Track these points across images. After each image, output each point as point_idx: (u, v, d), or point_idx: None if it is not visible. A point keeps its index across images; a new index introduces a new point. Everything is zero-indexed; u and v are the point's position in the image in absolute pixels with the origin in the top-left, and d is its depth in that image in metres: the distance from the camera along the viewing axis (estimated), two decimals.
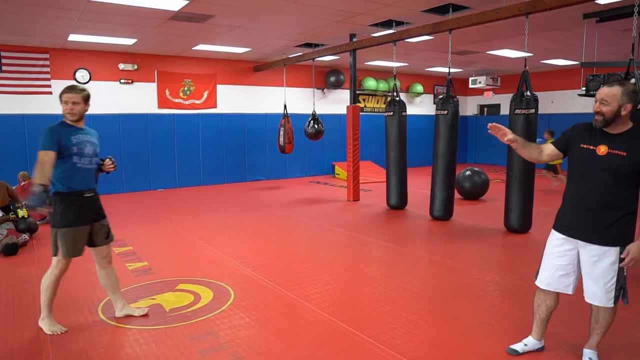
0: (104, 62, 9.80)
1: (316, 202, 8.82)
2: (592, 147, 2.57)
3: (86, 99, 3.36)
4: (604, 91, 2.51)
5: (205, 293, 4.13)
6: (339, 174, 12.47)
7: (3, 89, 9.03)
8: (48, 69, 9.34)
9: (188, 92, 10.82)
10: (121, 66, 9.94)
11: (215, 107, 11.20)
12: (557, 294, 2.80)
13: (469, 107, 16.64)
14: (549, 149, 2.84)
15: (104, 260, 3.59)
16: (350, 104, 8.73)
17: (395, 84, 7.74)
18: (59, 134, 3.20)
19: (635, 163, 2.44)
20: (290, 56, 10.28)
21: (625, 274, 2.55)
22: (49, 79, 9.37)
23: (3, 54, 8.93)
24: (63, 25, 7.46)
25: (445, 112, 6.72)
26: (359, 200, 8.80)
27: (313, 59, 9.40)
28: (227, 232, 6.47)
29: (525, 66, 5.98)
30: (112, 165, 3.55)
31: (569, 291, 2.72)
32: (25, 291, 4.30)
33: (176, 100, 10.70)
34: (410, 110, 14.35)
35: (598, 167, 2.51)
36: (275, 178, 12.19)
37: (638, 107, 2.65)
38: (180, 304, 3.88)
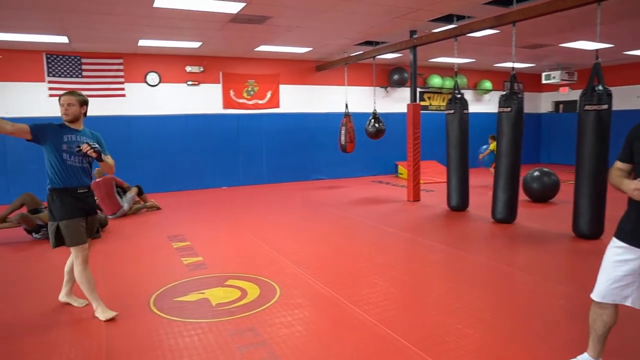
0: (173, 65, 10.25)
1: (375, 202, 8.71)
2: None
3: (82, 102, 3.62)
4: None
5: (252, 290, 4.18)
6: (401, 174, 12.25)
7: (84, 93, 9.67)
8: (122, 73, 9.92)
9: (252, 93, 11.07)
10: (188, 68, 10.35)
11: (278, 106, 11.38)
12: (615, 308, 2.54)
13: (542, 103, 15.75)
14: (618, 167, 2.55)
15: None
16: (411, 102, 8.52)
17: (456, 81, 7.46)
18: (51, 129, 3.47)
19: None
20: (351, 55, 10.22)
21: None
22: (122, 82, 9.94)
23: (83, 60, 9.59)
24: (133, 32, 7.89)
25: (509, 109, 6.37)
26: (419, 200, 8.58)
27: (373, 57, 9.29)
28: (282, 230, 6.54)
29: (597, 58, 5.54)
30: (89, 149, 3.43)
31: (628, 302, 2.46)
32: None
33: (240, 101, 10.98)
34: (479, 108, 13.89)
35: None
36: (336, 177, 12.19)
37: None
38: (227, 299, 3.96)
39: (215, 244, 5.92)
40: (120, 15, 6.77)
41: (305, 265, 4.86)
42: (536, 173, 8.27)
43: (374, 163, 12.72)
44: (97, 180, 7.69)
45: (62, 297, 3.93)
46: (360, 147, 11.40)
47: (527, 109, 15.23)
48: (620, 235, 2.47)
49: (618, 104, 11.59)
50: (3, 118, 3.42)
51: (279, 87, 11.34)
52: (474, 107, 13.97)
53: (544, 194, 8.16)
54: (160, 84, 10.21)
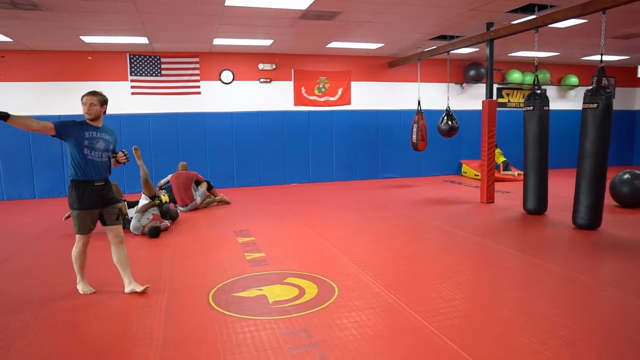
0: (246, 62, 10.46)
1: (446, 202, 8.37)
2: None
3: (102, 102, 3.89)
4: None
5: (310, 288, 4.13)
6: (465, 172, 11.73)
7: (162, 91, 10.15)
8: (198, 72, 10.27)
9: (323, 90, 11.06)
10: (261, 66, 10.52)
11: (350, 103, 11.29)
12: None
13: (637, 100, 14.42)
14: None
15: (116, 239, 4.06)
16: (487, 98, 8.09)
17: (536, 75, 6.95)
18: (75, 126, 3.81)
19: None
20: (424, 50, 9.89)
21: None
22: (198, 80, 10.29)
23: (162, 59, 10.03)
24: (207, 31, 8.12)
25: (595, 105, 5.83)
26: (493, 202, 8.13)
27: (447, 51, 8.91)
28: (346, 229, 6.44)
29: None
30: (124, 158, 4.05)
31: None
32: (158, 270, 4.73)
33: (311, 98, 11.00)
34: (563, 105, 12.98)
35: None
36: (407, 176, 11.89)
37: None
38: (284, 297, 3.92)
39: (278, 240, 5.94)
40: (194, 15, 6.98)
41: (366, 266, 4.73)
42: (626, 176, 7.53)
43: (446, 162, 12.26)
44: (180, 171, 8.07)
45: (127, 288, 4.09)
46: (432, 145, 11.05)
47: (619, 105, 14.14)
48: None
49: None
50: (30, 116, 3.73)
51: (351, 83, 11.23)
52: (558, 104, 13.15)
53: (634, 199, 7.42)
54: (234, 82, 10.46)
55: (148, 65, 10.03)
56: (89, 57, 9.70)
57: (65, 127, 3.78)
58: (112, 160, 4.02)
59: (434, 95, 11.45)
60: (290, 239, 6.01)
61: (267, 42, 9.28)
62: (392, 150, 11.64)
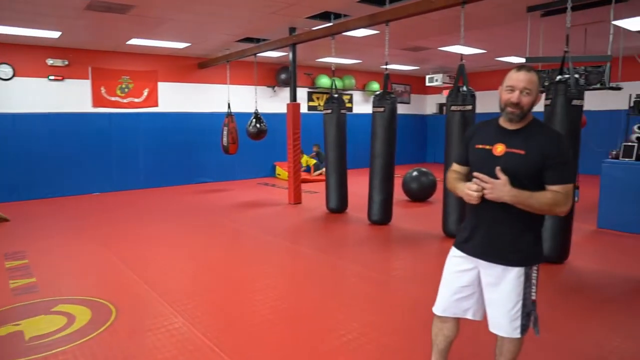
0: (30, 56, 9.08)
1: (256, 205, 8.31)
2: (488, 147, 2.15)
3: None
4: (525, 78, 2.05)
5: (82, 315, 3.60)
6: (279, 174, 12.00)
7: None
8: None
9: (126, 90, 10.18)
10: (50, 61, 9.24)
11: (157, 105, 10.58)
12: (457, 321, 2.37)
13: (428, 106, 16.37)
14: (455, 170, 2.38)
15: None
16: (291, 101, 8.25)
17: (333, 80, 7.30)
18: None
19: (535, 163, 2.03)
20: (233, 52, 9.74)
21: (534, 297, 2.12)
22: None
23: None
24: None
25: (382, 109, 6.30)
26: (300, 203, 8.32)
27: (255, 54, 8.89)
28: (146, 242, 5.90)
29: (461, 59, 5.61)
30: None
31: (469, 315, 2.28)
32: None
33: (113, 99, 10.03)
34: (368, 109, 14.00)
35: (495, 169, 2.06)
36: (222, 180, 11.61)
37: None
38: (46, 330, 3.34)
39: (59, 261, 5.15)
40: None
41: (156, 281, 4.34)
42: (414, 173, 8.37)
43: (260, 164, 12.31)
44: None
45: None
46: (245, 148, 10.98)
47: (414, 110, 15.86)
48: (458, 244, 2.31)
49: (491, 107, 12.33)
50: None
51: (158, 84, 10.54)
52: (363, 108, 14.21)
53: (422, 194, 8.29)
54: (15, 78, 9.00)
55: None
56: None
57: None
58: None
59: (245, 98, 11.37)
60: (75, 258, 5.26)
61: (55, 34, 8.16)
62: (206, 153, 11.25)
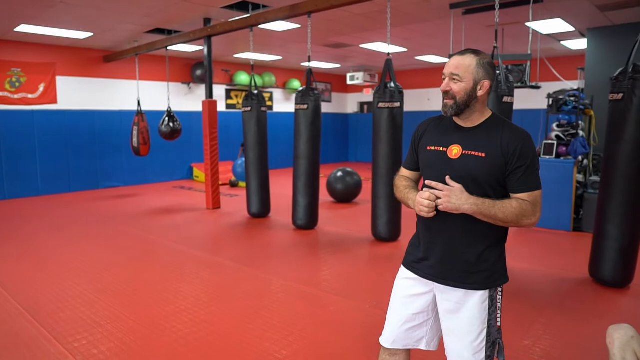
0: None
1: (171, 211, 7.60)
2: (441, 149, 1.79)
3: None
4: (454, 62, 1.73)
5: None
6: (197, 177, 11.28)
7: None
8: None
9: (17, 85, 8.98)
10: None
11: (56, 102, 9.44)
12: (407, 353, 1.97)
13: (349, 104, 16.28)
14: (404, 175, 1.99)
15: None
16: (207, 98, 7.64)
17: (252, 77, 6.81)
18: None
19: (498, 167, 1.69)
20: (142, 44, 8.91)
21: (498, 324, 1.78)
22: None
23: None
24: None
25: (305, 106, 5.90)
26: (219, 208, 7.73)
27: (165, 47, 8.15)
28: (33, 259, 5.04)
29: (388, 55, 5.36)
30: None
31: (422, 346, 1.89)
32: None
33: (1, 94, 8.81)
34: (289, 107, 13.63)
35: (452, 174, 1.71)
36: (133, 184, 10.65)
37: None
38: None
39: None
40: None
41: (44, 311, 3.61)
42: (339, 173, 8.08)
43: (176, 166, 11.47)
44: None
45: None
46: (159, 149, 10.17)
47: (335, 109, 15.70)
48: (409, 264, 1.91)
49: (412, 106, 12.46)
50: None
51: (56, 78, 9.41)
52: (284, 107, 13.80)
53: (347, 195, 8.02)
54: None
55: None
56: None
57: None
58: None
59: (158, 96, 10.51)
60: None
61: None
62: (114, 155, 10.25)
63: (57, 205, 8.34)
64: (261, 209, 6.86)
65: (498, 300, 1.77)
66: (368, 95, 15.11)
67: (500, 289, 1.79)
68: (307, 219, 6.08)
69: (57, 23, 7.53)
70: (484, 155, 1.70)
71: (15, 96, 8.97)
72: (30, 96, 9.16)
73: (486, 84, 1.73)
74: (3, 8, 6.56)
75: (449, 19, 7.02)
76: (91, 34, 8.40)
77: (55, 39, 8.78)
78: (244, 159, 8.10)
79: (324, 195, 7.84)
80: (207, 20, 7.37)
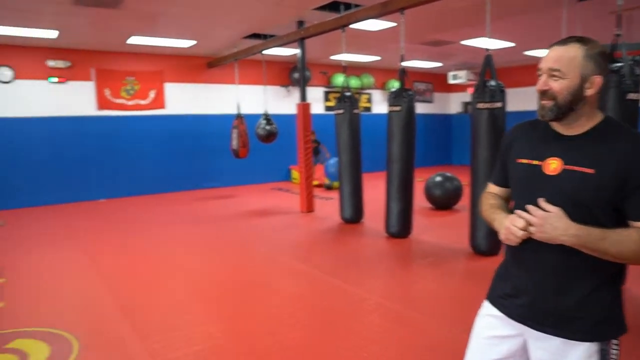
0: (29, 58, 8.69)
1: (265, 214, 7.70)
2: (535, 162, 1.44)
3: None
4: (554, 53, 1.38)
5: (38, 353, 3.03)
6: (295, 179, 11.34)
7: None
8: None
9: (132, 92, 9.72)
10: (50, 63, 8.83)
11: (163, 107, 10.09)
12: None
13: (452, 104, 15.54)
14: (492, 192, 1.66)
15: None
16: (301, 101, 7.63)
17: (345, 78, 6.68)
18: None
19: (611, 187, 1.30)
20: (241, 50, 9.17)
21: None
22: None
23: None
24: None
25: (399, 108, 5.61)
26: (313, 211, 7.67)
27: (261, 51, 8.30)
28: (135, 256, 5.35)
29: (487, 50, 4.90)
30: None
31: None
32: None
33: (118, 101, 9.59)
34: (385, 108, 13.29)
35: (548, 195, 1.35)
36: (233, 185, 11.05)
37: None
38: None
39: (37, 281, 4.61)
40: None
41: (134, 310, 3.75)
42: (438, 178, 7.63)
43: (275, 168, 11.70)
44: None
45: None
46: (258, 151, 10.39)
47: (437, 109, 15.07)
48: (495, 299, 1.58)
49: (521, 106, 11.48)
50: None
51: (164, 85, 10.05)
52: (383, 108, 13.48)
53: (446, 201, 7.55)
54: (16, 81, 8.62)
55: None
56: None
57: None
58: None
59: (256, 99, 10.79)
60: (55, 278, 4.71)
61: (52, 34, 7.72)
62: (216, 157, 10.69)
63: (162, 204, 8.86)
64: (353, 214, 6.67)
65: (612, 356, 1.37)
66: (471, 95, 14.27)
67: (615, 342, 1.38)
68: (400, 226, 5.77)
69: (164, 33, 7.99)
70: (592, 171, 1.32)
71: (130, 102, 9.72)
72: (142, 102, 9.86)
73: (597, 80, 1.35)
74: (118, 22, 7.08)
75: (561, 8, 6.30)
76: (194, 42, 8.82)
77: (162, 49, 9.36)
78: (336, 159, 7.98)
79: (420, 201, 7.46)
80: (300, 23, 7.36)
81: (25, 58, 8.65)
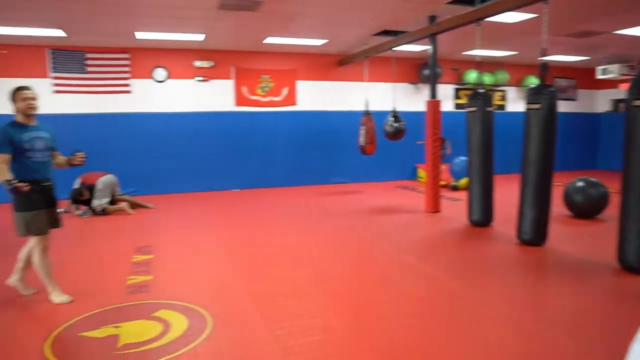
0: (180, 59, 9.64)
1: (389, 211, 7.67)
2: None
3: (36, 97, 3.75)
4: None
5: (178, 324, 3.35)
6: (421, 178, 11.05)
7: (88, 89, 9.25)
8: (128, 69, 9.41)
9: (266, 89, 10.30)
10: (197, 63, 9.71)
11: (295, 104, 10.53)
12: None
13: (599, 102, 14.01)
14: None
15: (48, 244, 3.84)
16: (430, 98, 7.44)
17: (479, 74, 6.40)
18: (12, 134, 3.57)
19: None
20: (371, 47, 9.20)
21: None
22: (128, 78, 9.43)
23: (88, 55, 9.14)
24: (125, 22, 7.30)
25: (538, 106, 5.19)
26: (439, 212, 7.45)
27: (391, 48, 8.24)
28: (263, 246, 5.67)
29: None
30: (79, 160, 3.92)
31: None
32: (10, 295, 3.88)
33: (254, 98, 10.23)
34: (522, 106, 12.42)
35: None
36: (359, 181, 11.16)
37: None
38: (140, 338, 3.15)
39: (180, 259, 5.10)
40: (113, 5, 6.24)
41: (261, 296, 3.96)
42: (580, 183, 6.92)
43: (401, 166, 11.57)
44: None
45: (13, 281, 3.99)
46: (385, 148, 10.34)
47: (582, 108, 13.71)
48: None
49: None
50: None
51: (296, 83, 10.48)
52: (519, 106, 12.61)
53: (589, 209, 6.82)
54: (169, 80, 9.63)
55: (71, 62, 9.12)
56: (4, 52, 8.76)
57: (9, 143, 3.55)
58: (64, 159, 3.95)
59: (385, 96, 10.74)
60: (195, 258, 5.18)
61: (199, 37, 8.48)
62: (343, 153, 10.90)
63: (292, 196, 9.29)
64: (482, 217, 6.34)
65: None
66: (625, 92, 12.74)
67: None
68: (533, 233, 5.35)
69: (297, 33, 8.32)
70: None
71: (265, 99, 10.30)
72: (275, 99, 10.39)
73: None
74: (255, 24, 7.54)
75: None
76: (326, 41, 9.05)
77: (296, 47, 9.74)
78: (462, 158, 7.65)
79: (558, 208, 6.84)
80: (432, 18, 7.16)
81: (176, 60, 9.60)
